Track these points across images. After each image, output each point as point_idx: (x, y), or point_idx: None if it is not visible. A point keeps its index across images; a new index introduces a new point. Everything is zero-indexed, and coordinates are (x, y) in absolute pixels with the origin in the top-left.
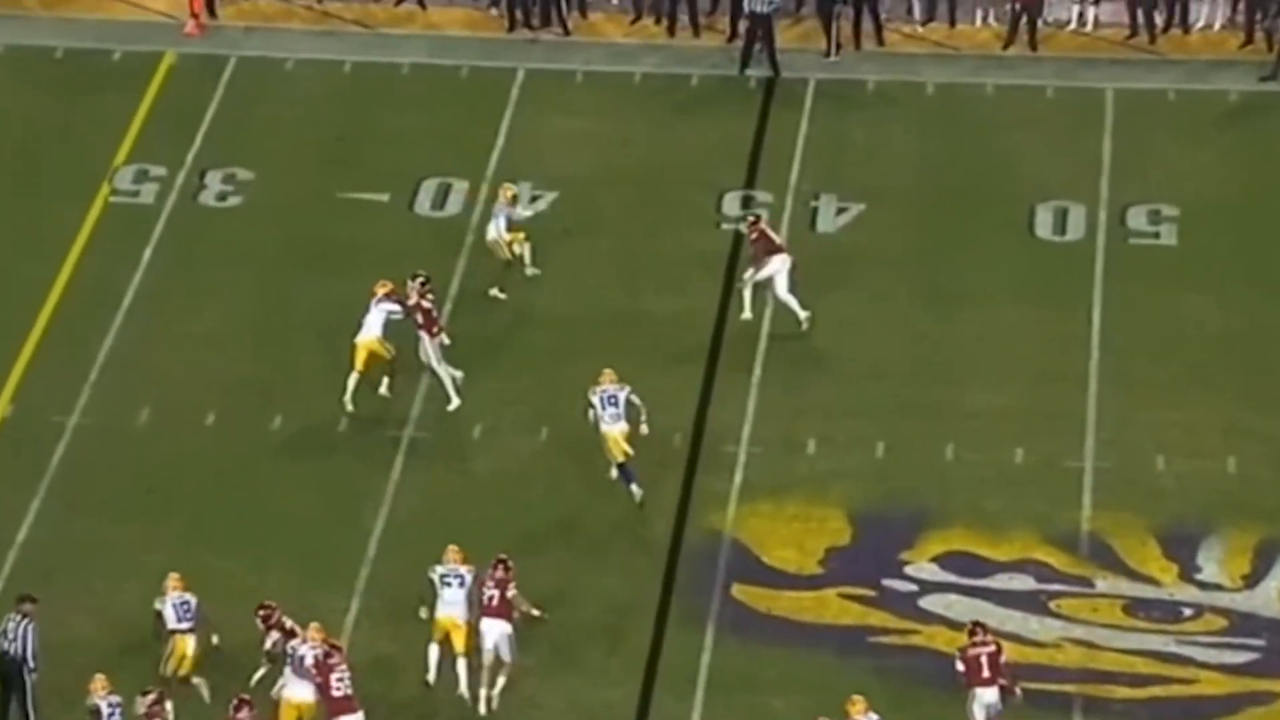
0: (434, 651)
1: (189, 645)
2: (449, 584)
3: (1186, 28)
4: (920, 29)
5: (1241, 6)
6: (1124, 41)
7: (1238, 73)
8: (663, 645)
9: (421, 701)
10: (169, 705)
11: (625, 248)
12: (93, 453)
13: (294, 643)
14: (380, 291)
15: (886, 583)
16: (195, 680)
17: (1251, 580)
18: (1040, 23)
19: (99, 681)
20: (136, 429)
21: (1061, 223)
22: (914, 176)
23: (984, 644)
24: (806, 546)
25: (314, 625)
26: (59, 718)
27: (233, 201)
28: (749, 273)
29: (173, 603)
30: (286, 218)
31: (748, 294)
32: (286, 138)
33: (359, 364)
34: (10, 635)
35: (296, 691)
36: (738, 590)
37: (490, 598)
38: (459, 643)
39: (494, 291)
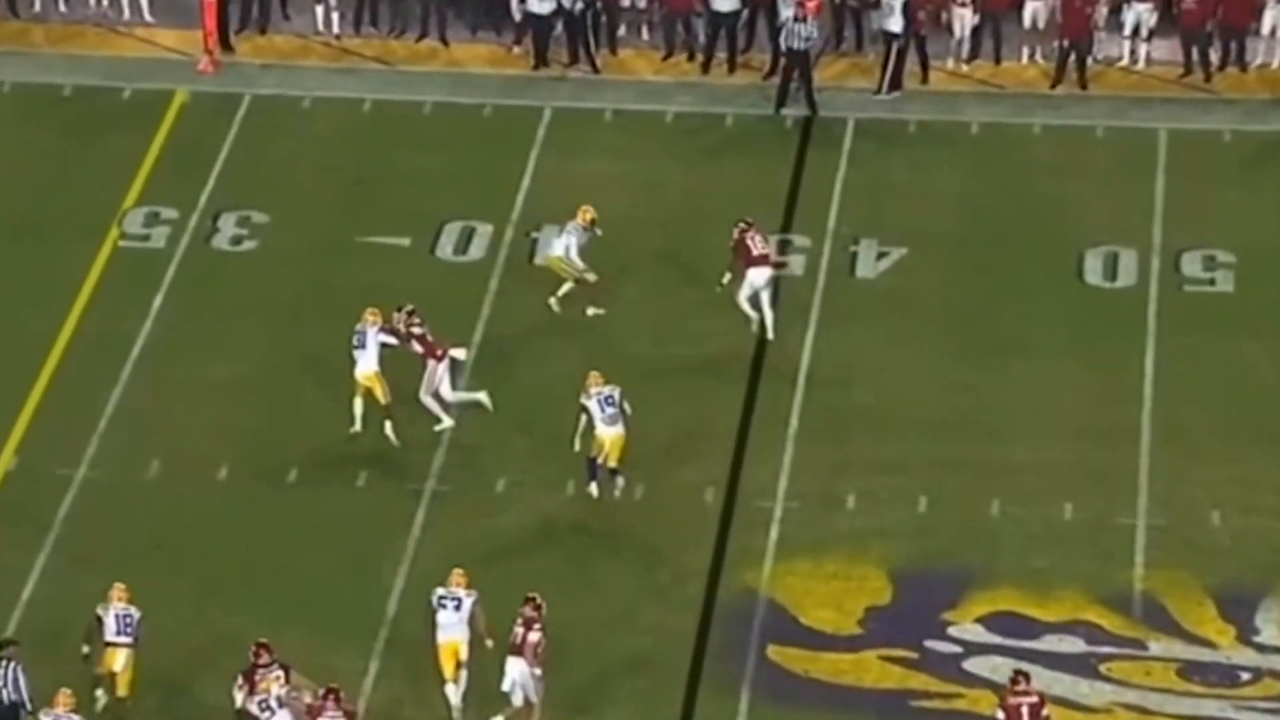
0: (452, 689)
1: (119, 659)
2: (444, 606)
3: (1243, 65)
4: (965, 66)
5: None
6: (1178, 80)
7: None
8: (695, 710)
9: None
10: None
11: (655, 294)
12: (100, 507)
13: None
14: (372, 319)
15: (929, 644)
16: (98, 693)
17: None
18: (1090, 60)
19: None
20: (146, 482)
21: (1112, 269)
22: (958, 220)
23: (1026, 694)
24: (845, 606)
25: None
26: None
27: (247, 246)
28: (727, 277)
29: (116, 613)
30: (303, 263)
31: (747, 308)
32: (303, 179)
33: (360, 392)
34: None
35: None
36: (774, 652)
37: (517, 635)
38: (450, 668)
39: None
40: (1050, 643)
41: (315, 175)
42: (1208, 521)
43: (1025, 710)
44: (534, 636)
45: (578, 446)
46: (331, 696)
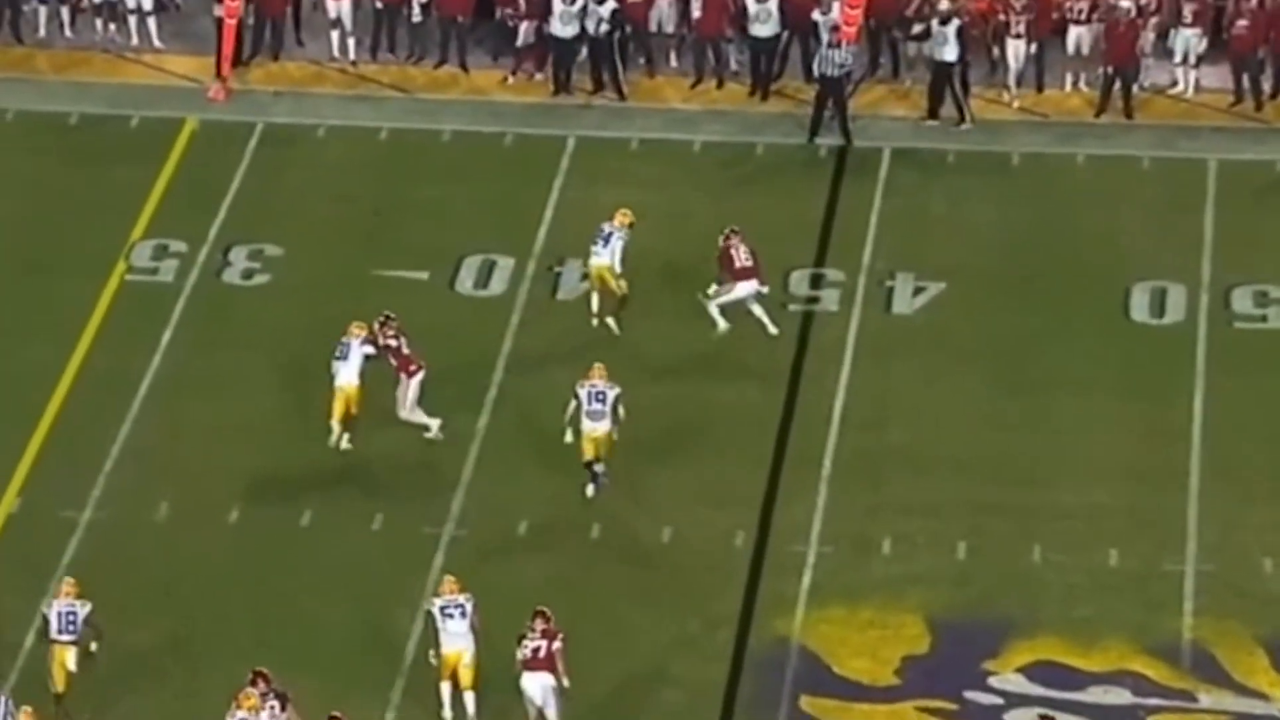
0: (446, 689)
1: (67, 657)
2: (450, 616)
3: None
4: (1010, 97)
5: None
6: (1228, 109)
7: None
8: None
9: None
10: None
11: (683, 330)
12: (107, 551)
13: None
14: (357, 333)
15: (969, 695)
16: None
17: None
18: (1136, 87)
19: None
20: (154, 525)
21: (1159, 305)
22: (998, 254)
23: None
24: (882, 655)
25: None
26: None
27: (259, 280)
28: (713, 289)
29: (59, 610)
30: (317, 297)
31: (713, 309)
32: (318, 210)
33: (339, 412)
34: None
35: None
36: (807, 703)
37: (536, 649)
38: (466, 678)
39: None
40: (1095, 694)
41: (330, 206)
42: (1259, 568)
43: None
44: (557, 646)
45: (569, 438)
46: None
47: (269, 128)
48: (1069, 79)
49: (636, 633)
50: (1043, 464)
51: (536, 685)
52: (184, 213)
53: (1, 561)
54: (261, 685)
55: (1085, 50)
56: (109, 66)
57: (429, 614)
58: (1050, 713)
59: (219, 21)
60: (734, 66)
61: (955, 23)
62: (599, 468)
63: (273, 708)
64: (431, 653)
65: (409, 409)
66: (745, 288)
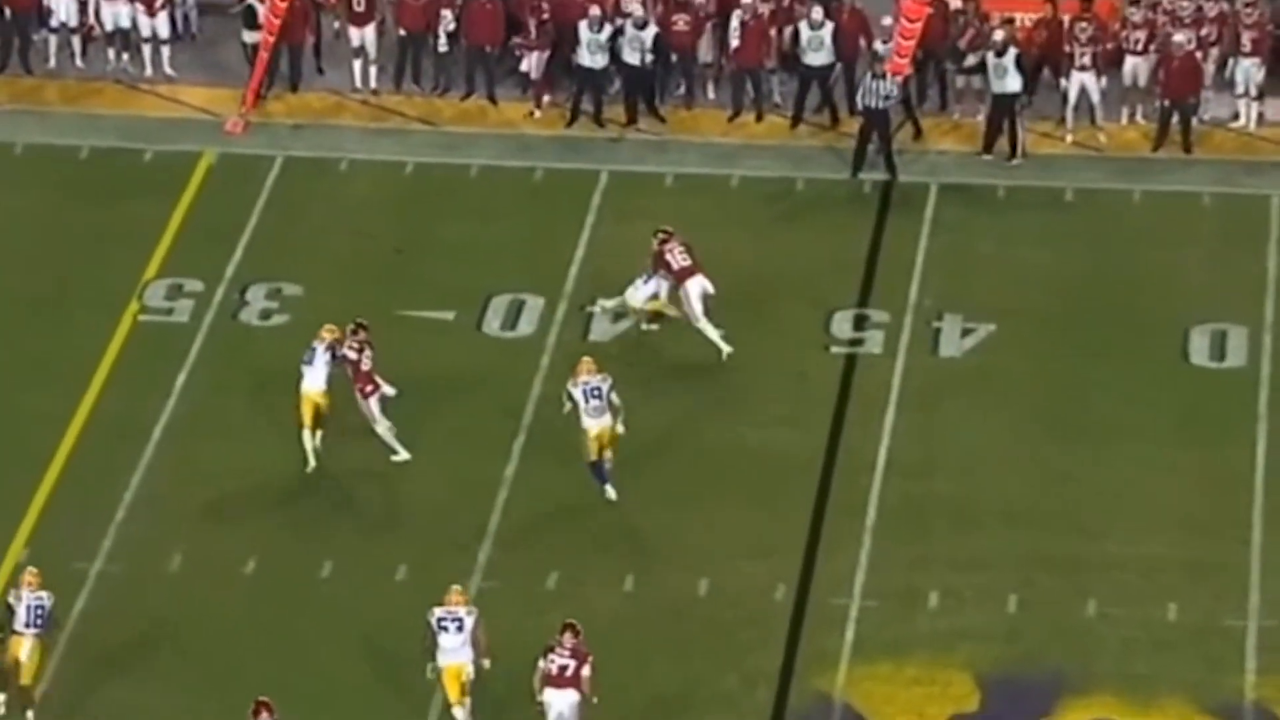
0: (460, 713)
1: (24, 648)
2: (446, 629)
3: None
4: (1067, 131)
5: None
6: None
7: None
8: None
9: None
10: None
11: (722, 373)
12: (118, 604)
13: None
14: (325, 336)
15: None
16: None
17: None
18: (1196, 120)
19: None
20: (167, 577)
21: (1220, 348)
22: (1050, 294)
23: None
24: (928, 714)
25: None
26: None
27: (278, 320)
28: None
29: (27, 602)
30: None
31: (710, 333)
32: (339, 248)
33: (307, 419)
34: None
35: None
36: None
37: (564, 668)
38: (455, 691)
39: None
40: None
41: (352, 243)
42: None
43: None
44: (587, 672)
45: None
46: None
47: (289, 161)
48: (1125, 111)
49: (671, 689)
50: (1097, 514)
51: (564, 703)
52: (199, 250)
53: (7, 615)
54: (265, 716)
55: (1142, 81)
56: (122, 98)
57: (427, 623)
58: None
59: (250, 49)
60: (775, 98)
61: (1013, 52)
62: (607, 465)
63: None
64: (430, 666)
65: (381, 427)
66: (695, 284)
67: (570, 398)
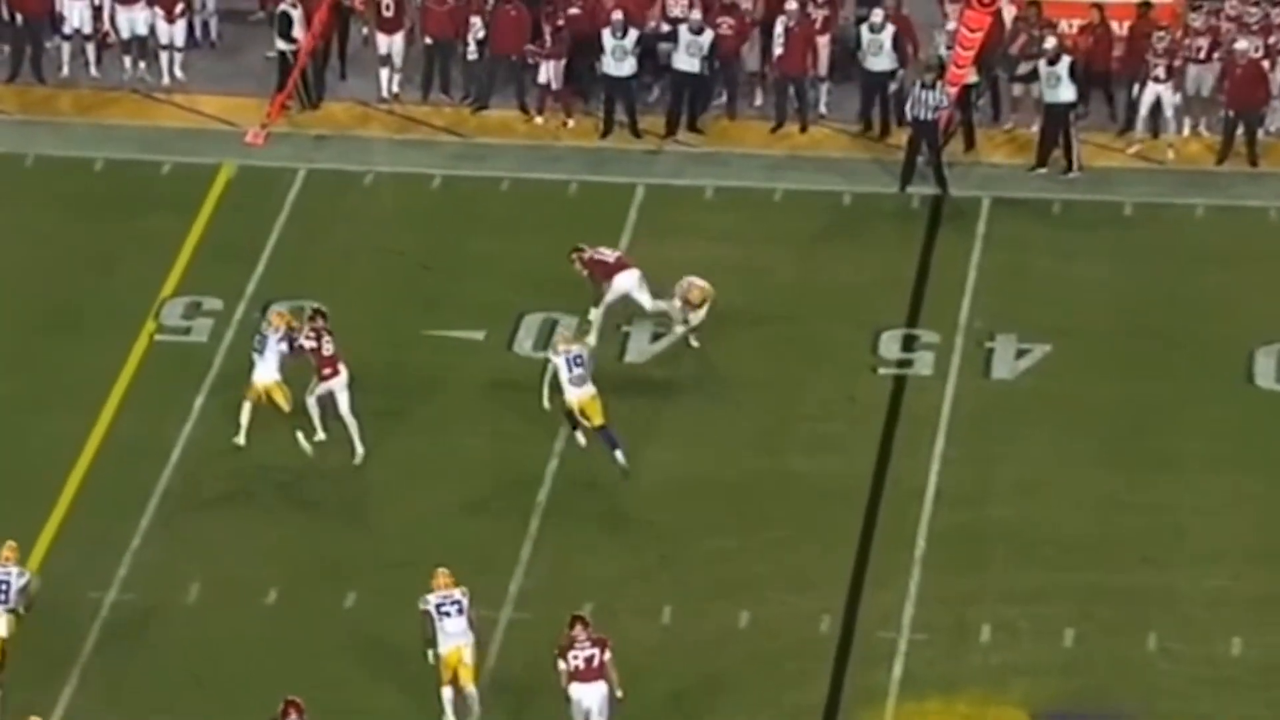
0: (448, 693)
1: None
2: (448, 613)
3: None
4: (1138, 147)
5: None
6: None
7: None
8: None
9: None
10: None
11: (764, 397)
12: (134, 635)
13: None
14: (276, 324)
15: None
16: None
17: None
18: (1262, 132)
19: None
20: (185, 608)
21: None
22: (1109, 314)
23: None
24: None
25: None
26: None
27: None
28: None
29: None
30: (364, 359)
31: (596, 323)
32: (364, 265)
33: (251, 399)
34: None
35: None
36: None
37: (590, 659)
38: (465, 675)
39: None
40: None
41: (378, 260)
42: None
43: None
44: (609, 656)
45: (547, 403)
46: None
47: (312, 174)
48: (1187, 123)
49: None
50: (1158, 544)
51: (595, 695)
52: (219, 267)
53: (18, 647)
54: (294, 716)
55: (1205, 91)
56: (137, 108)
57: (425, 613)
58: None
59: (283, 56)
60: (821, 108)
61: (1066, 60)
62: (611, 432)
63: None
64: (430, 653)
65: (345, 412)
66: (626, 278)
67: (552, 366)
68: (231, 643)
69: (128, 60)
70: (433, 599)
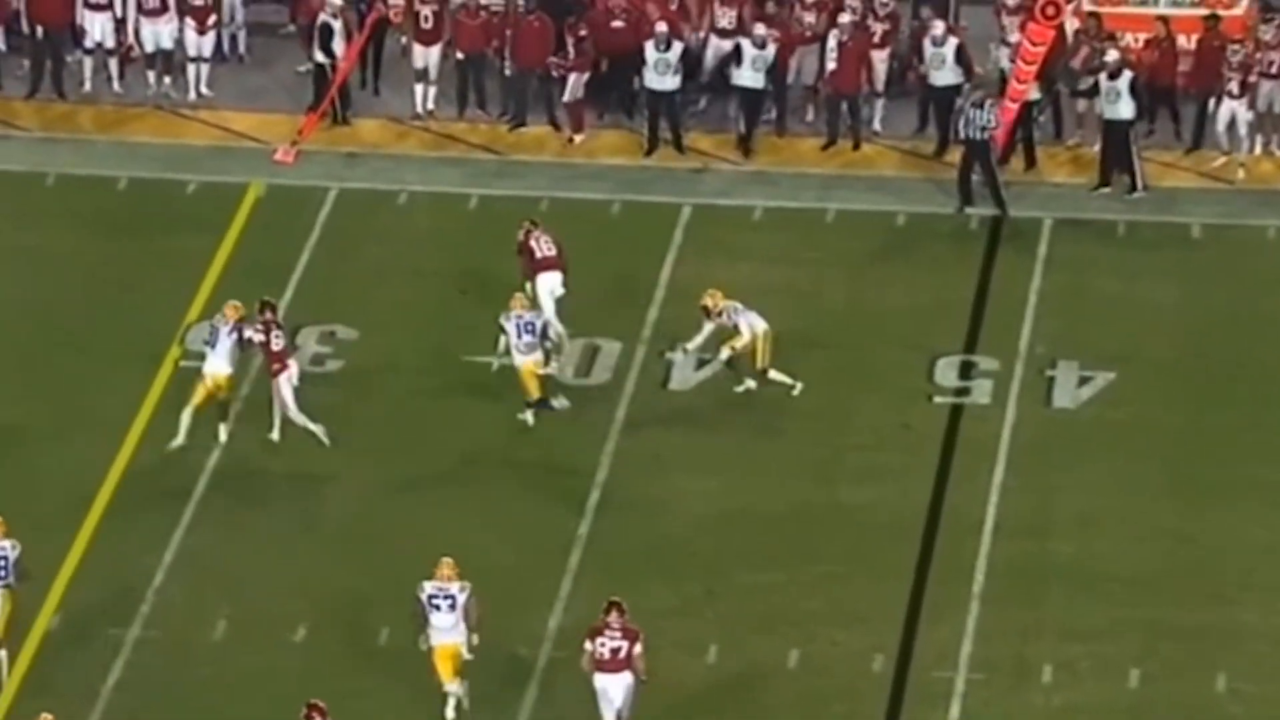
0: (454, 687)
1: None
2: (438, 606)
3: None
4: (1215, 162)
5: None
6: None
7: None
8: None
9: None
10: None
11: (815, 426)
12: (157, 674)
13: None
14: (230, 315)
15: None
16: None
17: None
18: None
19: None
20: (210, 645)
21: None
22: (1176, 340)
23: None
24: None
25: None
26: None
27: (331, 366)
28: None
29: None
30: (397, 386)
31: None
32: (398, 288)
33: (199, 399)
34: None
35: None
36: None
37: (617, 650)
38: (448, 671)
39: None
40: None
41: (412, 283)
42: None
43: None
44: (639, 649)
45: (496, 366)
46: None
47: (343, 194)
48: (1259, 140)
49: None
50: (1227, 579)
51: (620, 686)
52: (246, 290)
53: (37, 687)
54: (317, 718)
55: (1277, 108)
56: (162, 124)
57: (417, 600)
58: None
59: (320, 69)
60: (876, 125)
61: (1127, 75)
62: (556, 403)
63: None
64: (420, 638)
65: (293, 413)
66: (545, 281)
67: (503, 331)
68: (260, 681)
69: (152, 75)
70: (428, 588)
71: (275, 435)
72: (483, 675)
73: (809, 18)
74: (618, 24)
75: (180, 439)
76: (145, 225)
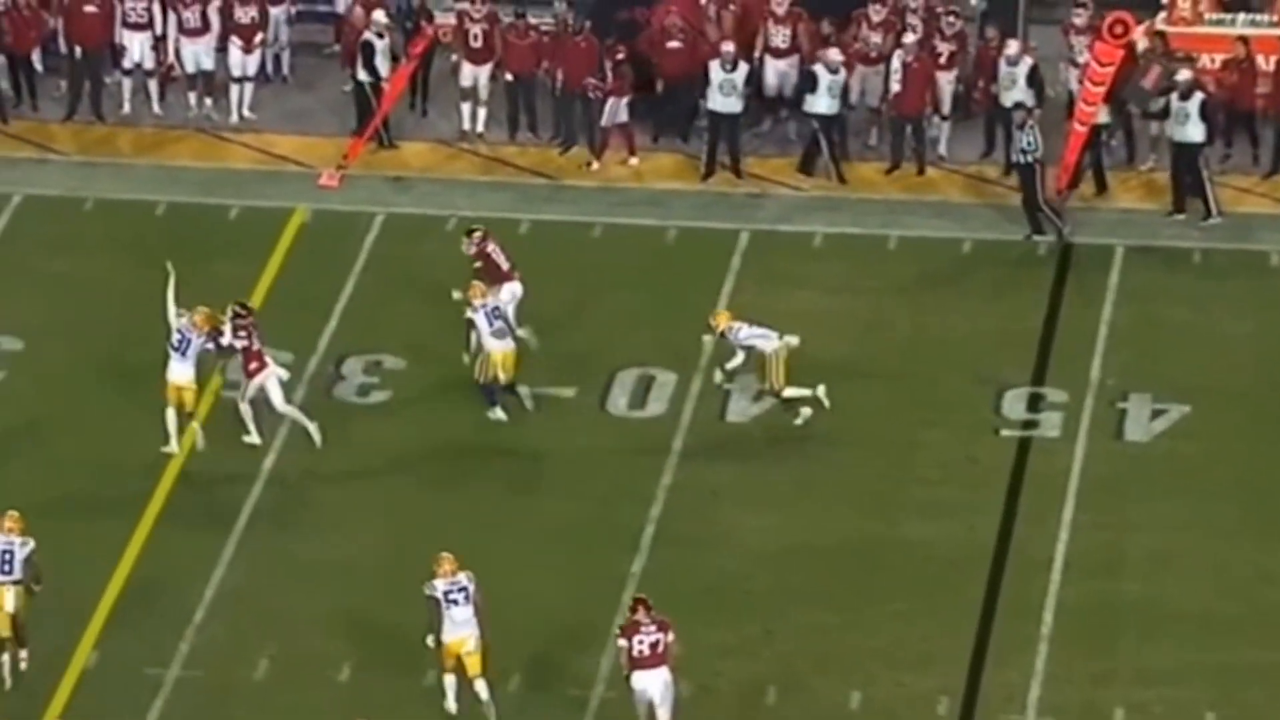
0: (450, 680)
1: (6, 599)
2: (455, 601)
3: None
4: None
5: None
6: None
7: None
8: None
9: None
10: None
11: (877, 459)
12: (197, 715)
13: None
14: (200, 325)
15: None
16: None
17: None
18: None
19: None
20: (252, 685)
21: None
22: (1252, 371)
23: None
24: None
25: None
26: None
27: (377, 397)
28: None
29: None
30: (444, 417)
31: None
32: (446, 317)
33: (174, 401)
34: None
35: None
36: None
37: (654, 644)
38: (474, 665)
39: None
40: None
41: (460, 311)
42: None
43: None
44: (672, 638)
45: (467, 360)
46: None
47: (390, 219)
48: None
49: None
50: None
51: (658, 682)
52: (290, 318)
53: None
54: None
55: None
56: (204, 148)
57: (432, 599)
58: None
59: (360, 89)
60: (941, 149)
61: (1198, 97)
62: (523, 390)
63: None
64: (430, 637)
65: (281, 407)
66: (513, 288)
67: (472, 324)
68: None
69: (193, 96)
70: (440, 585)
71: (255, 439)
72: (535, 716)
73: (874, 38)
74: (674, 44)
75: (174, 445)
76: (185, 251)
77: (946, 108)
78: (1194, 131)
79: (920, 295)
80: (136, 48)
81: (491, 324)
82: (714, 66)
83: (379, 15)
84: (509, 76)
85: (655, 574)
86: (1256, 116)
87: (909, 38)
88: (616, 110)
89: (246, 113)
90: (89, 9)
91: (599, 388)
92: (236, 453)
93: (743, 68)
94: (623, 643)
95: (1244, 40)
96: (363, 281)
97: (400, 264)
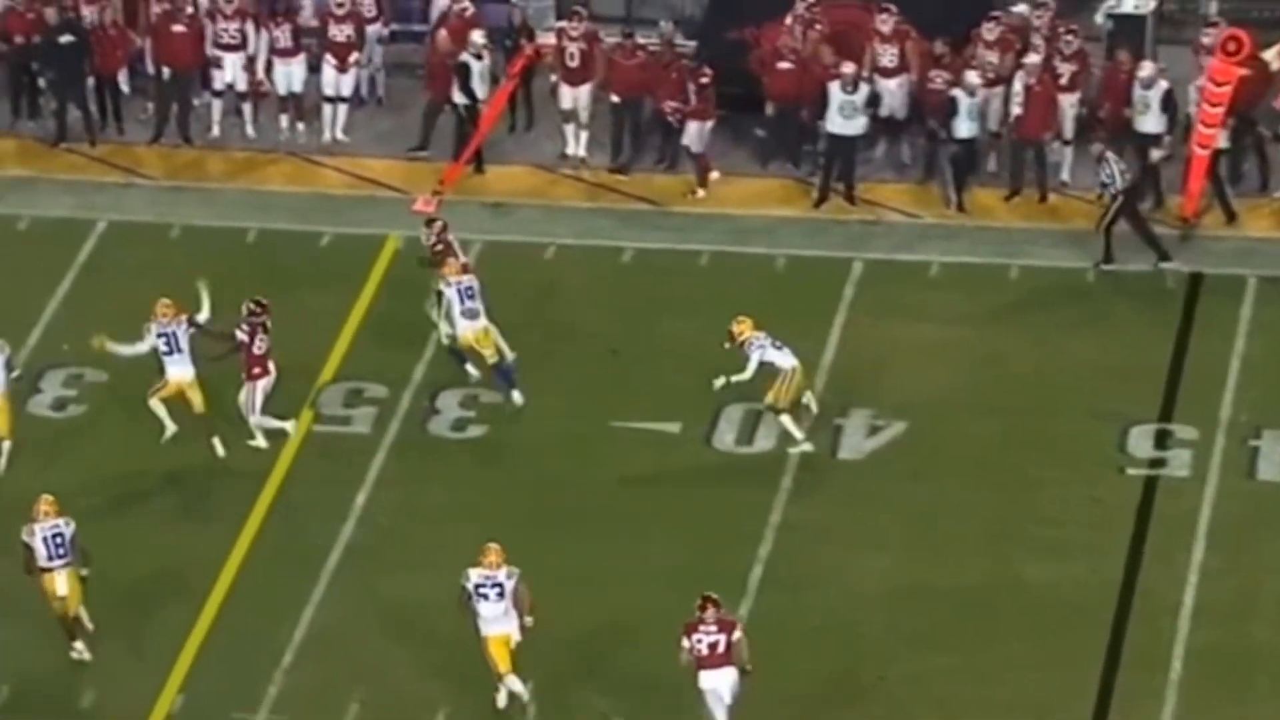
0: (515, 683)
1: (59, 583)
2: (485, 596)
3: None
4: None
5: None
6: None
7: None
8: None
9: None
10: None
11: (995, 498)
12: None
13: None
14: (165, 314)
15: None
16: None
17: None
18: None
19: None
20: None
21: None
22: None
23: None
24: None
25: None
26: None
27: (474, 432)
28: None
29: (43, 534)
30: (544, 453)
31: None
32: (545, 349)
33: (170, 394)
34: None
35: None
36: None
37: (715, 644)
38: (504, 661)
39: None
40: None
41: (560, 343)
42: None
43: None
44: (738, 636)
45: (443, 333)
46: None
47: (486, 247)
48: None
49: None
50: None
51: (725, 681)
52: (383, 350)
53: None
54: None
55: None
56: (295, 172)
57: (463, 589)
58: None
59: (457, 111)
60: (1064, 175)
61: None
62: (508, 362)
63: None
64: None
65: (255, 418)
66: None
67: (443, 297)
68: None
69: (284, 119)
70: (474, 576)
71: (262, 443)
72: None
73: (991, 57)
74: (785, 65)
75: (171, 427)
76: (276, 280)
77: (1069, 132)
78: None
79: (1041, 327)
80: (228, 68)
81: (464, 302)
82: (833, 88)
83: (476, 35)
84: (614, 98)
85: (763, 616)
86: None
87: (1031, 58)
88: (701, 135)
89: (340, 134)
90: (177, 29)
91: (705, 423)
92: (330, 490)
93: (863, 89)
94: (684, 641)
95: None
96: None
97: (496, 294)
